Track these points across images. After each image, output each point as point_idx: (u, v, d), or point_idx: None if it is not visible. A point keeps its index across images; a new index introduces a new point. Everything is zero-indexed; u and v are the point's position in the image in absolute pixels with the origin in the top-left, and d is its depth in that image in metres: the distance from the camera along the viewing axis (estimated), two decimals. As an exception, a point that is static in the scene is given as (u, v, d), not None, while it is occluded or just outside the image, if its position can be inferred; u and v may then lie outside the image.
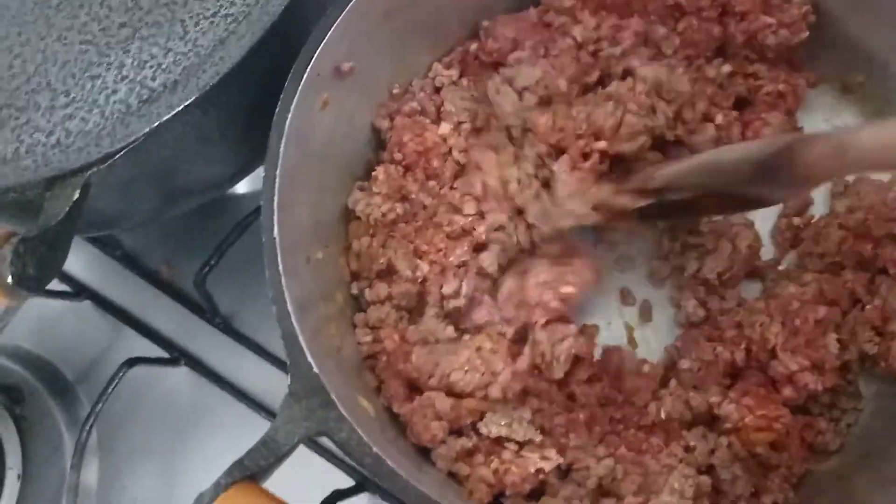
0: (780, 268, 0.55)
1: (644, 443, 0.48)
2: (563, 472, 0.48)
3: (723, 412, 0.47)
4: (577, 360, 0.51)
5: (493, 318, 0.52)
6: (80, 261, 0.73)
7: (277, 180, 0.47)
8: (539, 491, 0.48)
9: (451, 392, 0.48)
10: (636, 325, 0.56)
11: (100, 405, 0.63)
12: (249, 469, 0.40)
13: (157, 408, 0.69)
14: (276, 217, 0.46)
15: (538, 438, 0.47)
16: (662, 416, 0.49)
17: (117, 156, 0.47)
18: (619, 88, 0.51)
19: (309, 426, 0.42)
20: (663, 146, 0.52)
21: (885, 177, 0.54)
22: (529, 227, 0.52)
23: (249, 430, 0.65)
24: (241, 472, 0.40)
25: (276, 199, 0.46)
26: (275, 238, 0.46)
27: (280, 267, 0.45)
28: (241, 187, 0.71)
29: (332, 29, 0.49)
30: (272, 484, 0.43)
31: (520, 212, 0.53)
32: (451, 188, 0.55)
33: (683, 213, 0.50)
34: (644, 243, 0.57)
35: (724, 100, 0.55)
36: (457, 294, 0.53)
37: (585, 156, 0.50)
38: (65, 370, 0.72)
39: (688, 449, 0.48)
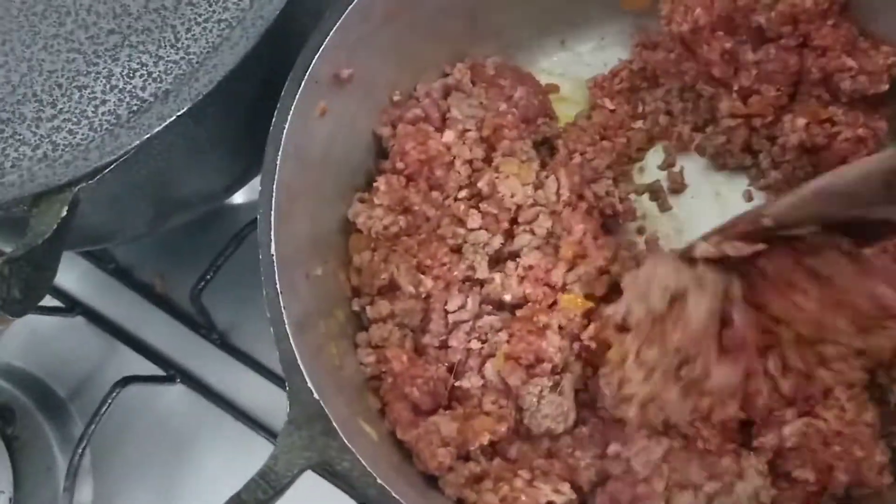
0: None
1: None
2: None
3: None
4: None
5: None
6: (73, 275, 0.71)
7: (274, 194, 0.44)
8: None
9: None
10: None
11: (93, 426, 0.61)
12: None
13: (152, 427, 0.67)
14: (273, 233, 0.44)
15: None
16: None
17: (107, 170, 0.44)
18: None
19: (310, 456, 0.40)
20: None
21: None
22: None
23: (247, 449, 0.65)
24: (238, 508, 0.38)
25: (273, 213, 0.44)
26: (272, 255, 0.43)
27: (278, 285, 0.43)
28: (238, 197, 0.69)
29: (331, 34, 0.47)
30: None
31: None
32: (455, 199, 0.53)
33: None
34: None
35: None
36: (461, 309, 0.51)
37: None
38: (57, 388, 0.69)
39: None
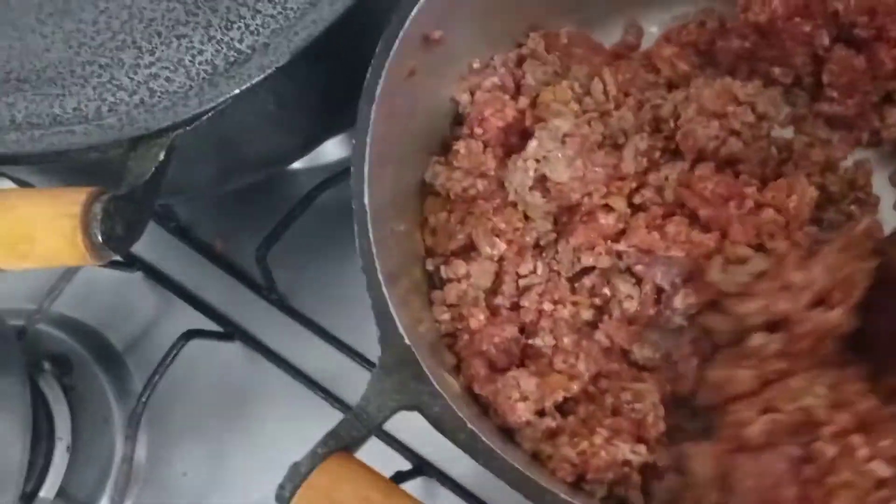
0: None
1: None
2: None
3: None
4: None
5: None
6: (134, 231, 0.72)
7: (368, 146, 0.45)
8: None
9: None
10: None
11: (157, 377, 0.62)
12: (344, 440, 0.39)
13: (207, 382, 0.68)
14: (366, 184, 0.45)
15: None
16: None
17: (204, 117, 0.46)
18: None
19: (401, 399, 0.41)
20: None
21: None
22: None
23: (302, 409, 0.66)
24: (336, 442, 0.39)
25: (366, 165, 0.45)
26: (365, 205, 0.44)
27: (371, 236, 0.44)
28: (296, 164, 0.70)
29: (423, -1, 0.48)
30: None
31: None
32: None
33: None
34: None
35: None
36: (532, 274, 0.52)
37: None
38: (114, 341, 0.70)
39: None
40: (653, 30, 0.62)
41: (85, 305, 0.71)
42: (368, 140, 0.46)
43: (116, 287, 0.72)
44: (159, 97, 0.46)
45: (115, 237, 0.42)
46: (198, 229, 0.72)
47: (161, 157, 0.45)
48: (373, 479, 0.38)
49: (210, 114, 0.46)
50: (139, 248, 0.71)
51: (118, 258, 0.70)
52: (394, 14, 0.48)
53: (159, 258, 0.71)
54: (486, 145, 0.54)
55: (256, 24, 0.47)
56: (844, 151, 0.55)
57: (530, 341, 0.50)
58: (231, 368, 0.68)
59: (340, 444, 0.39)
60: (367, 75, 0.47)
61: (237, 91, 0.45)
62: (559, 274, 0.52)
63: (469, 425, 0.40)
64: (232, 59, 0.47)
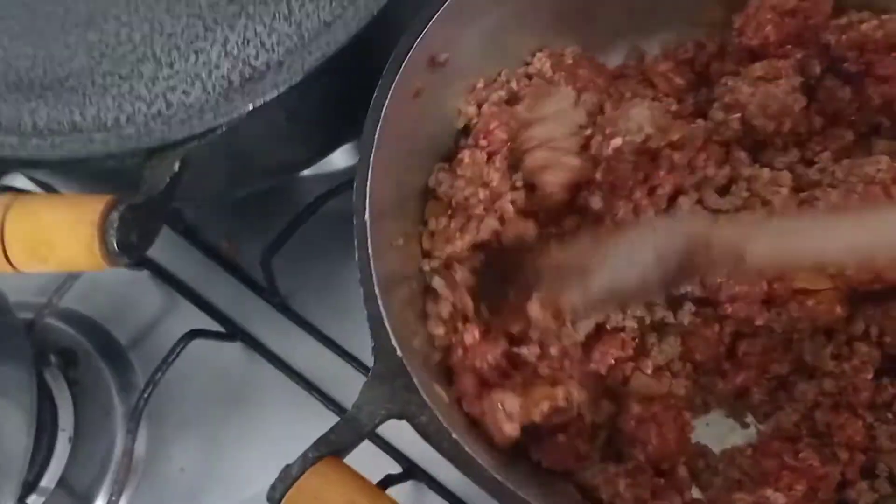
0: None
1: None
2: None
3: None
4: None
5: None
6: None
7: (371, 164, 0.47)
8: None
9: None
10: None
11: (159, 374, 0.64)
12: (334, 445, 0.41)
13: (208, 381, 0.70)
14: (368, 200, 0.47)
15: None
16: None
17: (218, 130, 0.48)
18: None
19: (391, 408, 0.43)
20: None
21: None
22: None
23: (300, 410, 0.68)
24: (327, 447, 0.41)
25: (368, 182, 0.47)
26: (366, 221, 0.46)
27: (370, 250, 0.46)
28: (304, 171, 0.72)
29: (432, 21, 0.50)
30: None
31: None
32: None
33: None
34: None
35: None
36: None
37: None
38: (119, 337, 0.72)
39: None
40: (655, 53, 0.64)
41: (92, 301, 0.74)
42: (372, 160, 0.48)
43: (123, 285, 0.74)
44: (176, 109, 0.48)
45: (129, 244, 0.44)
46: (205, 231, 0.74)
47: (176, 167, 0.47)
48: (360, 484, 0.41)
49: (224, 127, 0.48)
50: (147, 246, 0.74)
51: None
52: (403, 35, 0.50)
53: (166, 258, 0.73)
54: (489, 156, 0.56)
55: (272, 42, 0.50)
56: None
57: (515, 349, 0.51)
58: (231, 368, 0.70)
59: (331, 449, 0.41)
60: (374, 95, 0.49)
61: (251, 106, 0.47)
62: None
63: (453, 435, 0.42)
64: (247, 75, 0.49)
